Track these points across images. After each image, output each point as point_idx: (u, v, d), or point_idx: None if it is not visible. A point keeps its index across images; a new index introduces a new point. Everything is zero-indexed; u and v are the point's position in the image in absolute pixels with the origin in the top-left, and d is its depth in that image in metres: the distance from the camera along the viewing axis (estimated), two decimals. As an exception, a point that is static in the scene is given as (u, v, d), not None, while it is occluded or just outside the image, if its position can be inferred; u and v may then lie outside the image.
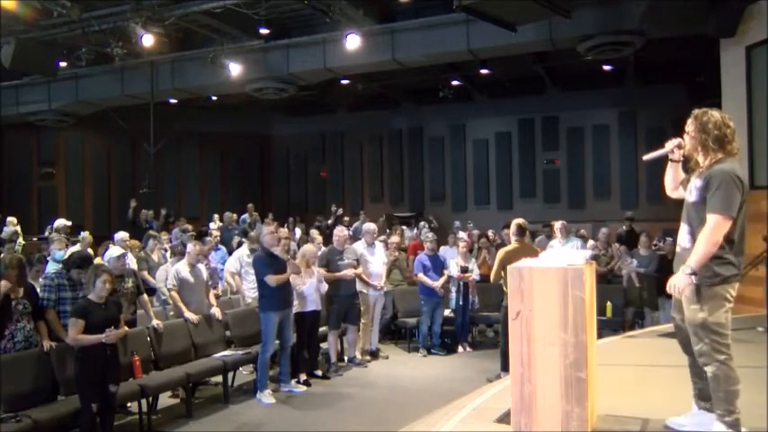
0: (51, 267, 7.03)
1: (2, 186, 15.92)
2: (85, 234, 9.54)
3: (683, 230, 3.22)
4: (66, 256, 6.45)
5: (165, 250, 9.18)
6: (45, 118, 14.78)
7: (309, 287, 7.02)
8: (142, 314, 6.44)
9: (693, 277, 2.98)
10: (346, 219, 13.66)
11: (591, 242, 9.67)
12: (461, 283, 8.53)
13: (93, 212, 17.05)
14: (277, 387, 6.70)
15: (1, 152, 15.88)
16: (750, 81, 8.11)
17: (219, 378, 6.50)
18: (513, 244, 6.74)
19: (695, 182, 3.15)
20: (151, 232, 9.31)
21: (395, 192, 18.35)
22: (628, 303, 8.43)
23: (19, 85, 14.09)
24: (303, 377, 6.97)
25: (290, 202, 19.11)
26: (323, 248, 8.24)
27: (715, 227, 2.96)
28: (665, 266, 8.56)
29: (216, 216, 13.16)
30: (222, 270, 8.50)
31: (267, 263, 6.56)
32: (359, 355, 7.95)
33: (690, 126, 3.19)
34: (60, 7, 9.25)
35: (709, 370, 2.98)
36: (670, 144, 3.29)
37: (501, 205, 16.93)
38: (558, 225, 9.20)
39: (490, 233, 10.98)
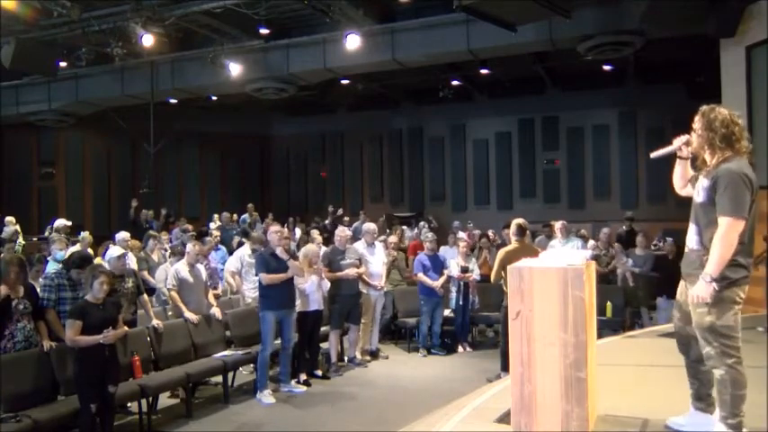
0: (51, 267, 7.03)
1: (2, 186, 15.92)
2: (85, 234, 9.53)
3: (691, 231, 3.14)
4: (66, 256, 6.45)
5: (165, 250, 9.18)
6: (45, 118, 14.79)
7: (311, 285, 7.02)
8: (142, 314, 6.44)
9: (715, 284, 2.90)
10: (346, 219, 13.67)
11: (591, 242, 9.68)
12: (462, 283, 8.53)
13: (93, 212, 17.05)
14: (277, 387, 6.70)
15: (1, 152, 15.88)
16: (750, 81, 8.10)
17: (219, 378, 6.50)
18: (514, 244, 6.74)
19: (702, 182, 3.06)
20: (151, 232, 9.31)
21: (395, 192, 18.35)
22: (625, 303, 8.45)
23: (19, 85, 14.09)
24: (303, 377, 6.97)
25: (290, 202, 19.11)
26: (323, 248, 8.25)
27: (728, 229, 2.88)
28: (664, 266, 8.58)
29: (216, 216, 13.18)
30: (222, 270, 8.50)
31: (266, 262, 6.56)
32: (359, 355, 7.95)
33: (697, 123, 3.09)
34: (60, 7, 9.25)
35: (717, 373, 2.95)
36: (678, 141, 3.21)
37: (501, 205, 16.93)
38: (558, 225, 9.21)
39: (490, 233, 10.98)
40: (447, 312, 8.67)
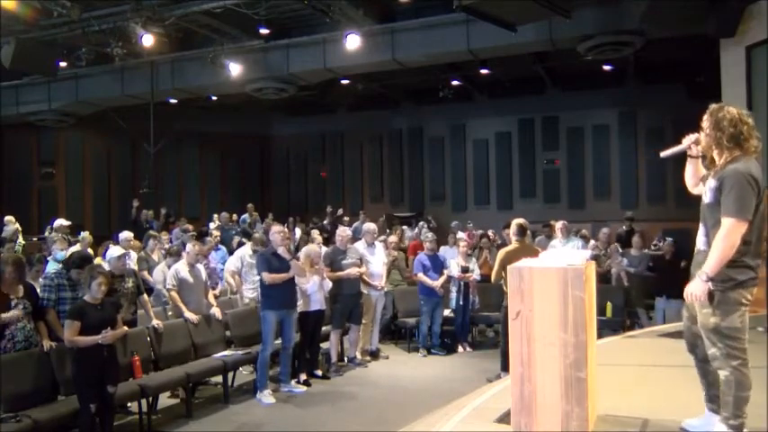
0: (51, 267, 7.04)
1: (2, 186, 15.90)
2: (85, 234, 9.53)
3: (700, 232, 3.13)
4: (66, 256, 6.45)
5: (165, 250, 9.17)
6: (45, 118, 14.78)
7: (313, 285, 7.03)
8: (142, 314, 6.43)
9: (710, 284, 2.90)
10: (346, 219, 13.67)
11: (592, 242, 9.68)
12: (462, 283, 8.53)
13: (93, 212, 17.04)
14: (277, 387, 6.70)
15: (1, 152, 15.86)
16: (750, 81, 8.11)
17: (219, 378, 6.50)
18: (514, 244, 6.74)
19: (710, 182, 3.04)
20: (151, 232, 9.31)
21: (395, 192, 18.35)
22: (625, 303, 8.45)
23: (19, 85, 14.09)
24: (303, 377, 6.97)
25: (290, 202, 19.10)
26: (324, 248, 8.25)
27: (729, 230, 2.86)
28: (662, 266, 8.59)
29: (216, 216, 13.18)
30: (222, 270, 8.50)
31: (268, 261, 6.56)
32: (359, 355, 7.95)
33: (705, 122, 3.05)
34: (60, 7, 9.25)
35: (722, 374, 2.94)
36: (687, 140, 3.19)
37: (501, 205, 16.91)
38: (558, 225, 9.21)
39: (490, 233, 10.98)
40: (447, 312, 8.67)
